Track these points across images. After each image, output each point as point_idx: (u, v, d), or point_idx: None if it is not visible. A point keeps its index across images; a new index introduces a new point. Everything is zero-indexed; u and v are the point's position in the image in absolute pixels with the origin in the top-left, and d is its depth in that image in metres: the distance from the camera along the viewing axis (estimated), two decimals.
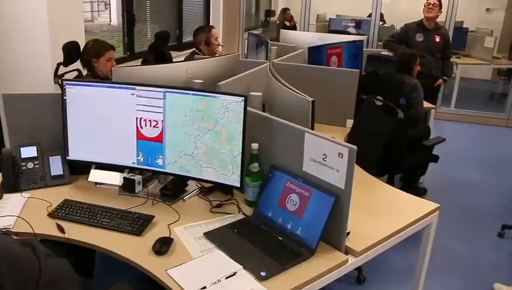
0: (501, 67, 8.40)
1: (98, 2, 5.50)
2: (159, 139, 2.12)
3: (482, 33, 8.41)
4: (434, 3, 5.11)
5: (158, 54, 4.77)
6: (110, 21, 5.57)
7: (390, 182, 3.87)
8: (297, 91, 2.37)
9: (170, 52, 5.31)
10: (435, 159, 4.18)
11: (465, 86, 8.14)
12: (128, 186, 2.23)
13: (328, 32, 7.20)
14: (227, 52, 4.39)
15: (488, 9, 9.55)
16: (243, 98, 1.94)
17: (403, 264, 3.21)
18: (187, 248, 1.79)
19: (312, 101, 2.18)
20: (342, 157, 1.70)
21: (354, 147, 1.66)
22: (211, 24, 7.24)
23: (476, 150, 5.95)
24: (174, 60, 5.02)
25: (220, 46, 4.47)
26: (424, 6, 5.16)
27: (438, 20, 5.35)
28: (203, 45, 4.34)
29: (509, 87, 7.13)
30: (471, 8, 8.93)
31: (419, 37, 5.17)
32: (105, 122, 2.18)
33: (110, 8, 5.48)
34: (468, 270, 3.33)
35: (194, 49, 4.43)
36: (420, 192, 4.39)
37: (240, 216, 2.05)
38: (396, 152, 3.52)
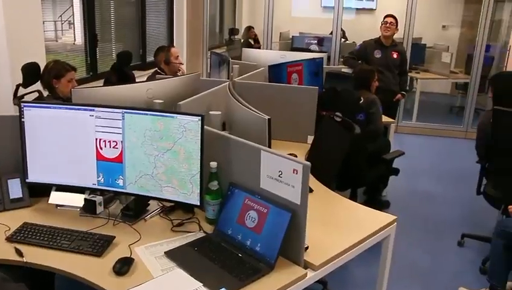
0: (458, 81, 8.68)
1: (61, 21, 5.46)
2: (119, 159, 2.14)
3: (439, 49, 8.73)
4: (391, 22, 5.28)
5: (121, 74, 4.76)
6: (75, 40, 5.53)
7: (353, 196, 3.96)
8: (254, 109, 2.42)
9: (133, 72, 5.30)
10: (395, 172, 4.29)
11: (425, 100, 8.40)
12: (89, 208, 2.23)
13: (291, 50, 7.35)
14: (192, 71, 4.41)
15: (444, 26, 9.90)
16: (200, 117, 1.98)
17: (367, 276, 3.26)
18: (148, 268, 1.81)
19: (268, 119, 2.23)
20: (296, 173, 1.75)
21: (308, 163, 1.72)
22: (174, 43, 7.29)
23: (437, 162, 6.11)
24: (137, 80, 5.02)
25: (181, 65, 4.49)
26: (382, 24, 5.32)
27: (396, 37, 5.53)
28: (163, 64, 4.37)
29: (466, 101, 7.37)
30: (428, 25, 9.23)
31: (378, 54, 5.32)
32: (65, 144, 2.18)
33: (74, 27, 5.45)
34: (431, 279, 3.42)
35: (156, 68, 4.46)
36: (383, 205, 4.49)
37: (201, 234, 2.07)
38: (357, 167, 3.61)
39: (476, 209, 4.44)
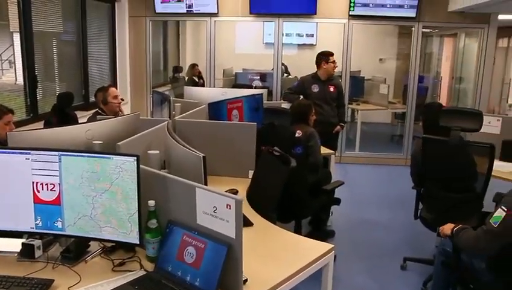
0: (397, 111, 9.09)
1: (1, 60, 5.39)
2: (57, 202, 2.14)
3: (377, 81, 9.15)
4: (335, 61, 5.57)
5: (62, 115, 4.73)
6: (16, 80, 5.45)
7: (298, 227, 4.04)
8: (190, 148, 2.49)
9: (76, 112, 5.27)
10: (337, 202, 4.44)
11: (367, 130, 8.75)
12: (27, 252, 2.20)
13: (234, 87, 7.50)
14: (136, 110, 4.45)
15: (381, 59, 10.40)
16: (135, 157, 2.03)
17: None
18: None
19: (203, 156, 2.30)
20: (230, 208, 1.82)
21: (240, 198, 1.80)
22: (117, 82, 7.32)
23: (379, 190, 6.35)
24: (80, 120, 4.99)
25: (120, 105, 4.49)
26: (327, 63, 5.53)
27: (336, 70, 5.80)
28: (102, 104, 4.38)
29: (404, 129, 7.72)
30: (366, 59, 9.70)
31: (315, 88, 5.53)
32: (1, 189, 2.16)
33: (15, 66, 5.37)
34: None
35: (97, 109, 4.46)
36: (329, 235, 4.61)
37: (142, 272, 2.09)
38: (298, 198, 3.71)
39: (416, 233, 4.62)
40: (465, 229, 2.80)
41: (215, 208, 1.88)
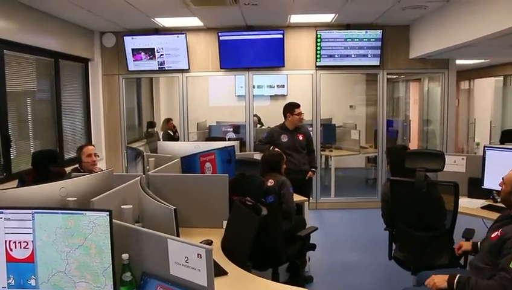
0: (369, 155, 9.30)
1: None
2: (30, 259, 2.17)
3: (348, 127, 9.40)
4: (302, 112, 5.74)
5: (44, 172, 4.68)
6: None
7: (275, 274, 4.07)
8: (162, 201, 2.56)
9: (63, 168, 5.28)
10: (313, 247, 4.50)
11: (342, 175, 8.92)
12: None
13: (208, 139, 7.62)
14: (111, 166, 4.51)
15: (351, 106, 10.71)
16: (108, 212, 2.09)
17: None
18: None
19: (174, 209, 2.37)
20: (200, 257, 1.88)
21: (210, 247, 1.86)
22: (92, 139, 7.38)
23: (355, 233, 6.42)
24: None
25: (94, 162, 4.57)
26: (292, 115, 5.66)
27: (307, 118, 5.95)
28: (78, 163, 4.47)
29: (377, 173, 7.89)
30: (337, 106, 9.98)
31: (284, 138, 5.66)
32: None
33: None
34: None
35: (77, 166, 4.53)
36: (307, 280, 4.64)
37: None
38: (273, 246, 3.77)
39: (392, 273, 4.67)
40: (473, 280, 2.62)
41: (186, 258, 1.94)
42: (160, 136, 8.93)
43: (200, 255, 1.88)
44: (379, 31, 7.20)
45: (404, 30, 7.36)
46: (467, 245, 3.39)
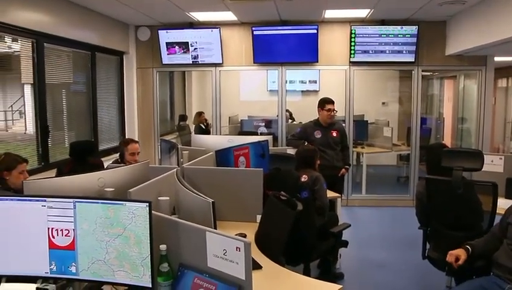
0: (401, 153, 9.18)
1: (12, 111, 5.54)
2: (71, 247, 2.21)
3: (380, 124, 9.28)
4: (334, 109, 5.66)
5: (82, 163, 4.76)
6: (26, 130, 5.59)
7: (307, 270, 4.06)
8: (200, 194, 2.58)
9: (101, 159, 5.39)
10: (345, 244, 4.45)
11: (373, 172, 8.81)
12: None
13: (240, 134, 7.64)
14: (144, 158, 4.55)
15: (384, 103, 10.57)
16: (147, 203, 2.11)
17: None
18: None
19: (212, 202, 2.38)
20: (239, 251, 1.89)
21: (248, 241, 1.87)
22: (125, 131, 7.48)
23: (387, 231, 6.35)
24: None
25: (136, 161, 4.54)
26: (322, 110, 5.63)
27: (340, 115, 5.89)
28: (119, 156, 4.53)
29: (409, 171, 7.78)
30: (369, 103, 9.87)
31: (318, 134, 5.62)
32: (16, 235, 2.23)
33: (25, 116, 5.52)
34: None
35: (117, 158, 4.61)
36: (338, 277, 4.61)
37: None
38: (306, 242, 3.75)
39: (425, 273, 4.59)
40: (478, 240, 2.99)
41: (225, 251, 1.95)
42: (192, 130, 8.99)
43: (239, 249, 1.88)
44: (415, 26, 7.08)
45: (441, 26, 7.21)
46: (459, 252, 3.22)
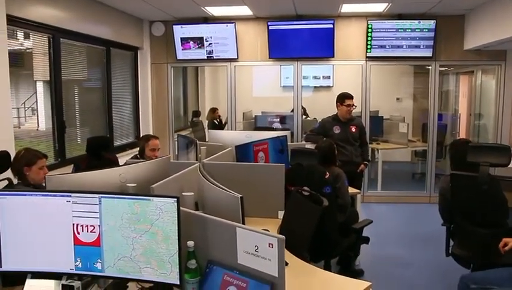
0: (417, 149, 9.08)
1: (25, 108, 5.53)
2: (97, 243, 2.17)
3: (395, 120, 9.16)
4: (353, 105, 5.58)
5: (98, 159, 4.74)
6: (38, 126, 5.58)
7: (327, 267, 4.01)
8: (226, 189, 2.52)
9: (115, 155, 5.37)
10: (366, 240, 4.41)
11: (388, 168, 8.71)
12: None
13: (255, 129, 7.58)
14: (160, 154, 4.52)
15: (398, 99, 10.45)
16: (175, 199, 2.06)
17: None
18: None
19: (240, 197, 2.33)
20: (272, 247, 1.83)
21: (282, 237, 1.81)
22: (140, 127, 7.45)
23: (404, 228, 6.28)
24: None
25: (156, 157, 4.51)
26: (341, 105, 5.54)
27: (355, 110, 5.83)
28: (139, 152, 4.50)
29: (426, 167, 7.68)
30: (384, 99, 9.75)
31: (337, 130, 5.55)
32: (41, 231, 2.20)
33: (37, 113, 5.51)
34: None
35: (137, 154, 4.58)
36: (358, 273, 4.56)
37: None
38: (329, 238, 3.70)
39: (447, 270, 4.52)
40: None
41: (256, 247, 1.89)
42: (205, 126, 8.96)
43: (272, 245, 1.83)
44: (432, 21, 6.98)
45: (459, 20, 7.10)
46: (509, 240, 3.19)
